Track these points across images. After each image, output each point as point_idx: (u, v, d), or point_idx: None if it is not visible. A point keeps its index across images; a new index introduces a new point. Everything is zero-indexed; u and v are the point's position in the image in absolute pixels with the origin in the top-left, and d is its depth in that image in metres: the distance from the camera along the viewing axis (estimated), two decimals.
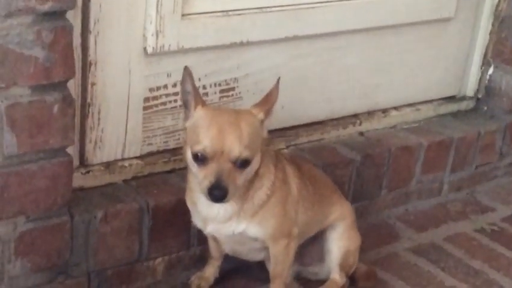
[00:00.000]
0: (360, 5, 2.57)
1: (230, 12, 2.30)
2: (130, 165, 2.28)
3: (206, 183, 1.88)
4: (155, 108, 2.28)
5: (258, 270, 2.31)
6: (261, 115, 1.97)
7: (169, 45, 2.20)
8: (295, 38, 2.47)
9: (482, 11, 2.94)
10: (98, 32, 2.09)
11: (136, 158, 2.30)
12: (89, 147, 2.20)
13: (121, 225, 2.16)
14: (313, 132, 2.65)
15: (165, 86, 2.28)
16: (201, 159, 1.90)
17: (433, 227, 2.75)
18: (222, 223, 2.03)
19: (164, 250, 2.28)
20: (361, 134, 2.75)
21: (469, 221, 2.81)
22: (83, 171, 2.20)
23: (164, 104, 2.29)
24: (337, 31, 2.56)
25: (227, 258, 2.28)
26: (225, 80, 2.39)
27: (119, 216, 2.15)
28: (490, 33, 2.96)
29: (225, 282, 2.32)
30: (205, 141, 1.89)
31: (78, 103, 2.12)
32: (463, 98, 3.05)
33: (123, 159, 2.28)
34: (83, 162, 2.21)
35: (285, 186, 2.08)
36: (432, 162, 2.81)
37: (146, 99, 2.26)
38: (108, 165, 2.24)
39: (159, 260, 2.28)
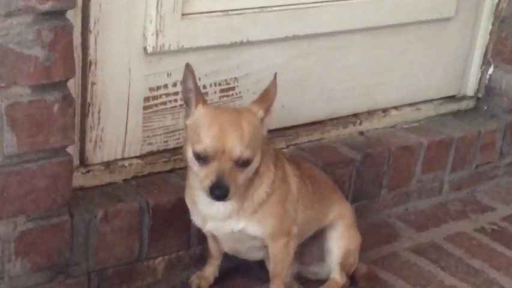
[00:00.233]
0: (361, 5, 2.57)
1: (230, 12, 2.30)
2: (130, 164, 2.28)
3: (207, 182, 1.88)
4: (155, 108, 2.28)
5: (257, 270, 2.31)
6: (260, 113, 1.97)
7: (169, 44, 2.20)
8: (296, 37, 2.47)
9: (483, 10, 2.94)
10: (98, 32, 2.09)
11: (136, 157, 2.30)
12: (89, 146, 2.20)
13: (121, 225, 2.16)
14: (314, 131, 2.65)
15: (165, 86, 2.28)
16: (202, 158, 1.90)
17: (433, 226, 2.74)
18: (222, 221, 2.03)
19: (165, 249, 2.28)
20: (361, 133, 2.75)
21: (469, 221, 2.81)
22: (83, 170, 2.20)
23: (164, 103, 2.29)
24: (337, 31, 2.56)
25: (227, 258, 2.28)
26: (225, 80, 2.39)
27: (119, 216, 2.15)
28: (490, 33, 2.96)
29: (225, 282, 2.32)
30: (206, 141, 1.89)
31: (78, 103, 2.12)
32: (463, 98, 3.05)
33: (123, 159, 2.28)
34: (83, 161, 2.21)
35: (284, 185, 2.08)
36: (433, 161, 2.81)
37: (146, 99, 2.26)
38: (108, 165, 2.24)
39: (159, 259, 2.28)
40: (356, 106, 2.76)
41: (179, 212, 2.20)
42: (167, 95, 2.29)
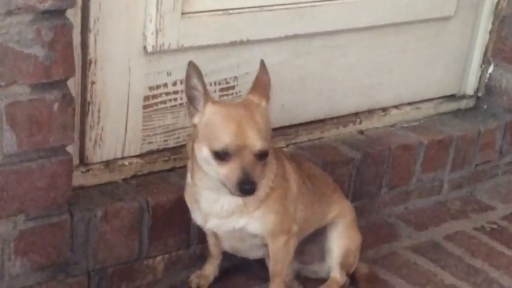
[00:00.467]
0: (360, 4, 2.57)
1: (230, 11, 2.30)
2: (130, 163, 2.28)
3: (234, 179, 1.88)
4: (155, 107, 2.28)
5: (257, 269, 2.31)
6: (263, 103, 1.98)
7: (169, 43, 2.20)
8: (296, 36, 2.47)
9: (482, 9, 2.94)
10: (98, 31, 2.09)
11: (136, 156, 2.30)
12: (89, 145, 2.20)
13: (121, 224, 2.16)
14: (313, 130, 2.65)
15: (165, 85, 2.27)
16: (222, 156, 1.89)
17: (433, 225, 2.75)
18: (224, 218, 2.03)
19: (164, 249, 2.28)
20: (361, 132, 2.75)
21: (469, 220, 2.81)
22: (83, 169, 2.20)
23: (164, 102, 2.29)
24: (337, 30, 2.55)
25: (227, 257, 2.28)
26: (225, 79, 2.39)
27: (119, 215, 2.15)
28: (490, 32, 2.96)
29: (225, 281, 2.32)
30: (226, 138, 1.88)
31: (78, 101, 2.12)
32: (463, 97, 3.05)
33: (123, 158, 2.27)
34: (83, 160, 2.21)
35: (284, 182, 2.08)
36: (432, 160, 2.81)
37: (146, 98, 2.26)
38: (108, 164, 2.24)
39: (159, 258, 2.28)
40: (356, 105, 2.76)
41: (179, 211, 2.20)
42: (167, 94, 2.29)
